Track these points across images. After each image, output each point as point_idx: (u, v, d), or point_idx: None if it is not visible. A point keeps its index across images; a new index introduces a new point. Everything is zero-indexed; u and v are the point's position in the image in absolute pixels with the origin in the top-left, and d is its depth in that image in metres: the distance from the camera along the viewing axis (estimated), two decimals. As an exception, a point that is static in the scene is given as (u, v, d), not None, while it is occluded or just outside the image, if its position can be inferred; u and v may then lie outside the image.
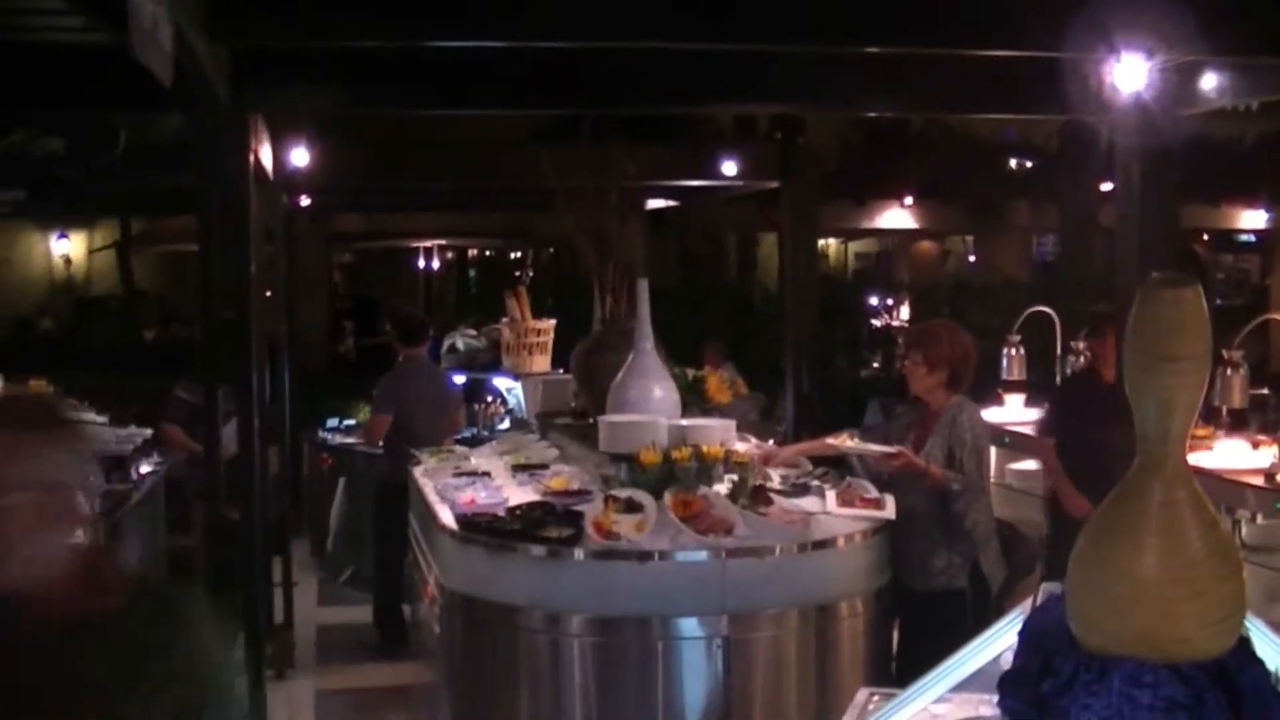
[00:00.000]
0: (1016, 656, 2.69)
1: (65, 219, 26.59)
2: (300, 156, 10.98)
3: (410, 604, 10.73)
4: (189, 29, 5.18)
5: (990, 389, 11.79)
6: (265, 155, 8.85)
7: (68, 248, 27.79)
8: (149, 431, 10.42)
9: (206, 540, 7.09)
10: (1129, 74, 6.93)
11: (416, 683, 9.16)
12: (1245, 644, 2.52)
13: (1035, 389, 11.98)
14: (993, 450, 9.55)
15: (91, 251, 27.91)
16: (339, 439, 13.50)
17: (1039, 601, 3.05)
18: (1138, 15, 6.27)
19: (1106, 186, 17.45)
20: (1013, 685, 2.60)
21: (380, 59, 7.28)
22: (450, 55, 7.22)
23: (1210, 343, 2.46)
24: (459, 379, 13.35)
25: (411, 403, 10.83)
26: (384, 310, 25.11)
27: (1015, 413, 11.56)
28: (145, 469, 10.25)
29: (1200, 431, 9.74)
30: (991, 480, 8.69)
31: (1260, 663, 2.51)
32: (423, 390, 11.02)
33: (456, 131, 15.76)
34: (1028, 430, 10.61)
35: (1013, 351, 11.77)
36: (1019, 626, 2.80)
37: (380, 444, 11.09)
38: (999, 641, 3.41)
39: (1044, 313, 12.07)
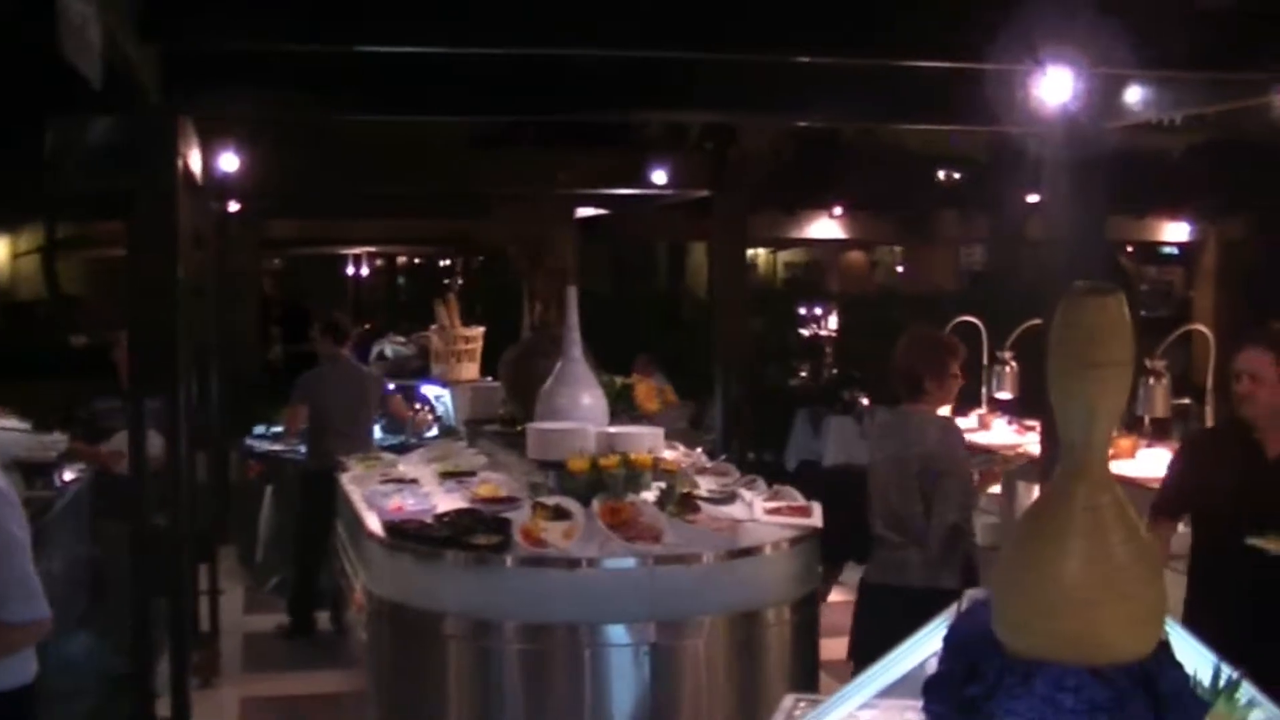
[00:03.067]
0: (942, 661, 2.71)
1: (-13, 222, 26.37)
2: (230, 161, 10.92)
3: (337, 610, 10.72)
4: (119, 30, 5.14)
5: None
6: (195, 159, 8.80)
7: (-10, 251, 27.55)
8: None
9: (132, 548, 7.04)
10: (1056, 86, 7.00)
11: (343, 690, 9.13)
12: (1166, 648, 2.55)
13: (961, 398, 12.05)
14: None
15: (16, 256, 27.64)
16: (267, 446, 13.43)
17: (964, 607, 3.07)
18: (1065, 28, 6.32)
19: (1034, 198, 17.59)
20: (938, 690, 2.62)
21: (313, 63, 7.25)
22: (384, 60, 7.20)
23: (1133, 350, 2.49)
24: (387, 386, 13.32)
25: (330, 398, 11.19)
26: (313, 318, 25.04)
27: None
28: (69, 476, 10.15)
29: (1124, 441, 9.84)
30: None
31: (1180, 666, 2.55)
32: (342, 387, 11.38)
33: (389, 138, 15.71)
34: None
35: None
36: (944, 632, 2.82)
37: (297, 437, 11.74)
38: (925, 646, 3.43)
39: (971, 323, 12.14)
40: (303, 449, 12.35)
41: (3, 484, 4.90)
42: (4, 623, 4.76)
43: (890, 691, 3.51)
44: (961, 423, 11.35)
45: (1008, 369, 11.45)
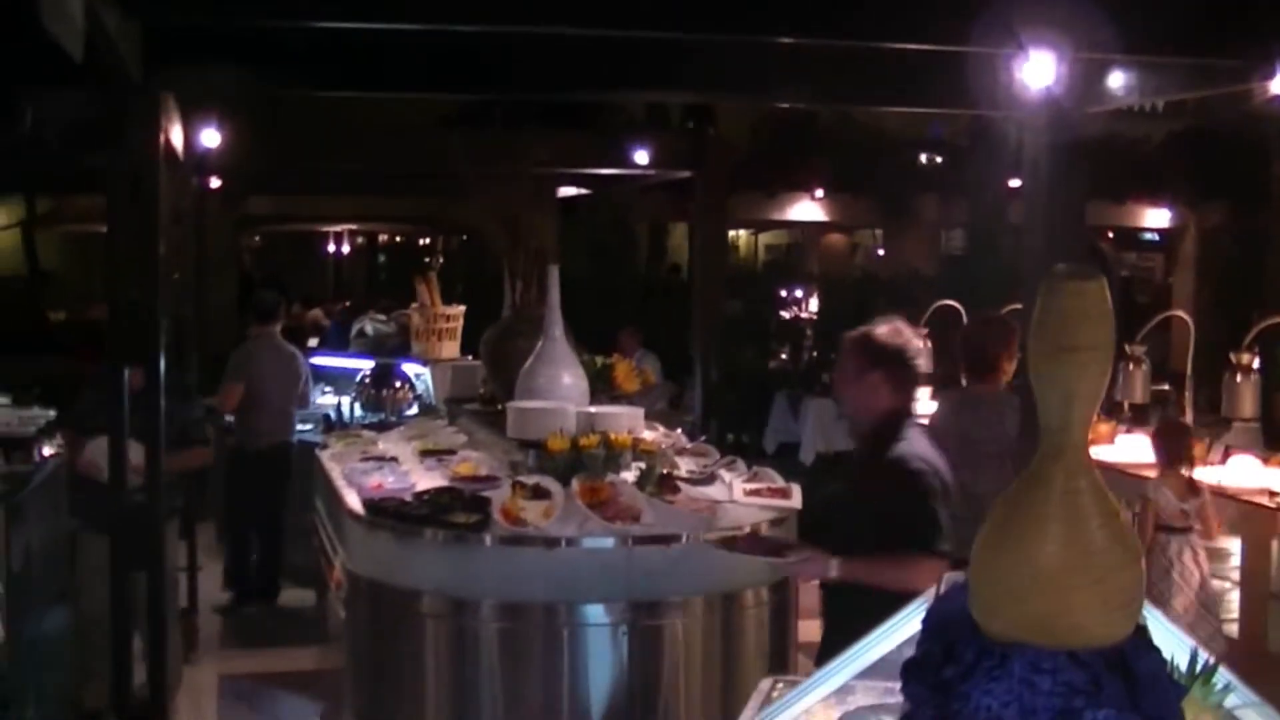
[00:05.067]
0: (919, 643, 2.71)
1: (-33, 197, 26.27)
2: (211, 137, 10.90)
3: (316, 588, 10.73)
4: (100, 3, 5.13)
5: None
6: (175, 135, 8.76)
7: (-32, 226, 27.44)
8: (52, 413, 10.29)
9: (111, 524, 7.05)
10: (1038, 70, 7.00)
11: (322, 668, 9.14)
12: (1143, 632, 2.56)
13: (941, 382, 12.07)
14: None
15: (-5, 231, 27.56)
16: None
17: (942, 589, 3.08)
18: (1047, 11, 6.33)
19: (1015, 183, 17.62)
20: (916, 672, 2.63)
21: (293, 40, 7.23)
22: (363, 37, 7.19)
23: (1113, 335, 2.49)
24: (367, 364, 13.33)
25: (261, 377, 11.36)
26: (290, 296, 25.02)
27: (922, 405, 11.63)
28: (48, 451, 10.13)
29: (1103, 426, 9.87)
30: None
31: (1157, 650, 2.55)
32: (272, 365, 11.56)
33: (369, 116, 15.69)
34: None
35: (920, 344, 11.85)
36: (922, 614, 2.83)
37: (231, 415, 11.83)
38: (903, 629, 3.44)
39: (952, 306, 12.16)
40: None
41: None
42: None
43: (868, 673, 3.52)
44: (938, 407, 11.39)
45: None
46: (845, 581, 5.61)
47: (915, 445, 5.76)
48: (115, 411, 6.83)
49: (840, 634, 5.51)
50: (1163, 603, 8.22)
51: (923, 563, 5.32)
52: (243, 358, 11.74)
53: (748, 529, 6.42)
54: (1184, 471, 8.71)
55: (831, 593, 5.90)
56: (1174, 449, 8.77)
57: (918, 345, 6.12)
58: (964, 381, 8.36)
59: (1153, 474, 8.85)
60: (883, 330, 6.09)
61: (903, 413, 5.88)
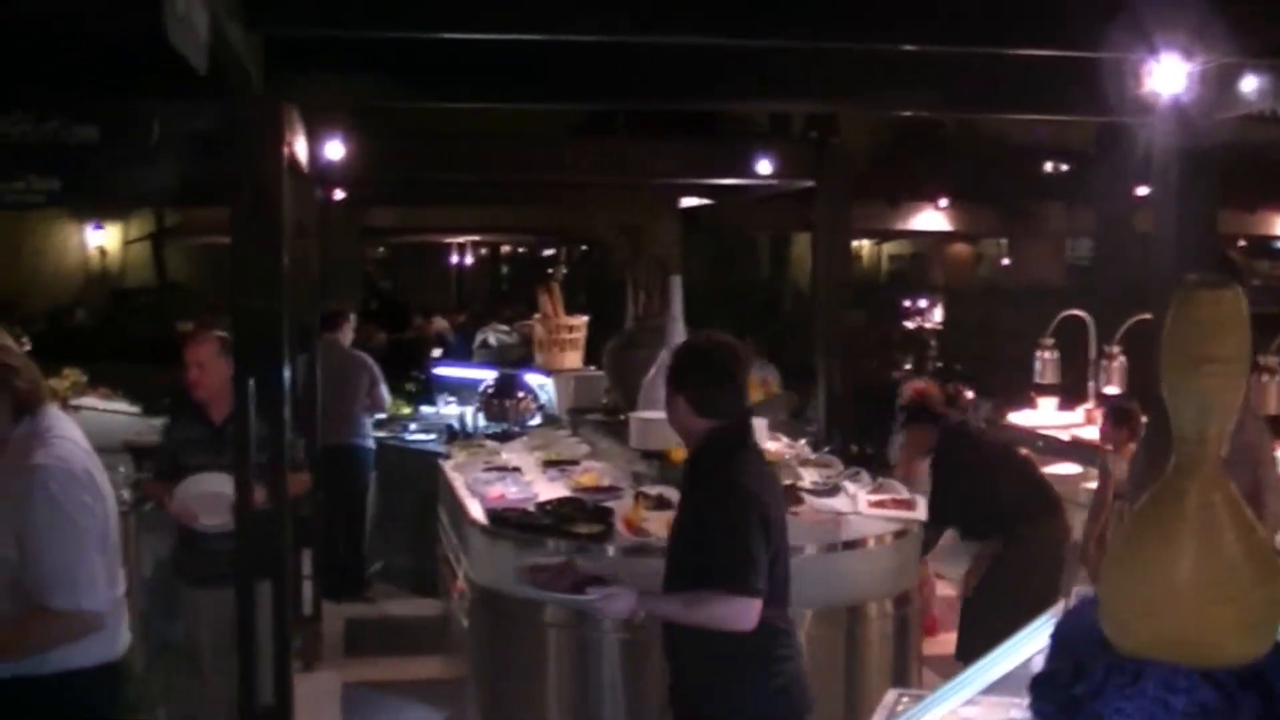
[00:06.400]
0: (1048, 659, 2.66)
1: (101, 210, 26.75)
2: (335, 149, 10.98)
3: (439, 597, 10.78)
4: (224, 16, 5.17)
5: (1024, 393, 11.76)
6: (300, 147, 8.84)
7: (103, 239, 27.94)
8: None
9: (236, 532, 7.08)
10: (1168, 76, 6.88)
11: (444, 676, 9.17)
12: (1279, 649, 2.50)
13: (1068, 393, 11.95)
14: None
15: (126, 243, 28.03)
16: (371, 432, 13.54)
17: (1071, 604, 3.02)
18: (1177, 15, 6.22)
19: (1143, 190, 17.39)
20: (1045, 688, 2.58)
21: (415, 50, 7.25)
22: (485, 47, 7.20)
23: (1249, 345, 2.43)
24: (490, 374, 13.39)
25: (319, 382, 11.37)
26: (410, 310, 25.28)
27: (1048, 417, 11.52)
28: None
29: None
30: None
31: (1296, 668, 2.49)
32: (329, 370, 11.64)
33: (492, 126, 15.77)
34: (1061, 434, 10.61)
35: (1046, 355, 11.71)
36: (1050, 629, 2.78)
37: None
38: (1029, 644, 3.39)
39: (1078, 317, 12.01)
40: (406, 435, 12.84)
41: (76, 464, 4.80)
42: (47, 608, 4.67)
43: (994, 688, 3.47)
44: (1067, 417, 11.28)
45: (1115, 364, 11.28)
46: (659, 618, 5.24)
47: (739, 471, 5.15)
48: (242, 422, 6.87)
49: (683, 676, 5.33)
50: None
51: (731, 600, 4.90)
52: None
53: (563, 560, 5.91)
54: (1133, 446, 9.20)
55: (666, 634, 5.34)
56: (1126, 426, 9.39)
57: (731, 358, 5.34)
58: None
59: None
60: (689, 346, 5.69)
61: (723, 435, 5.21)
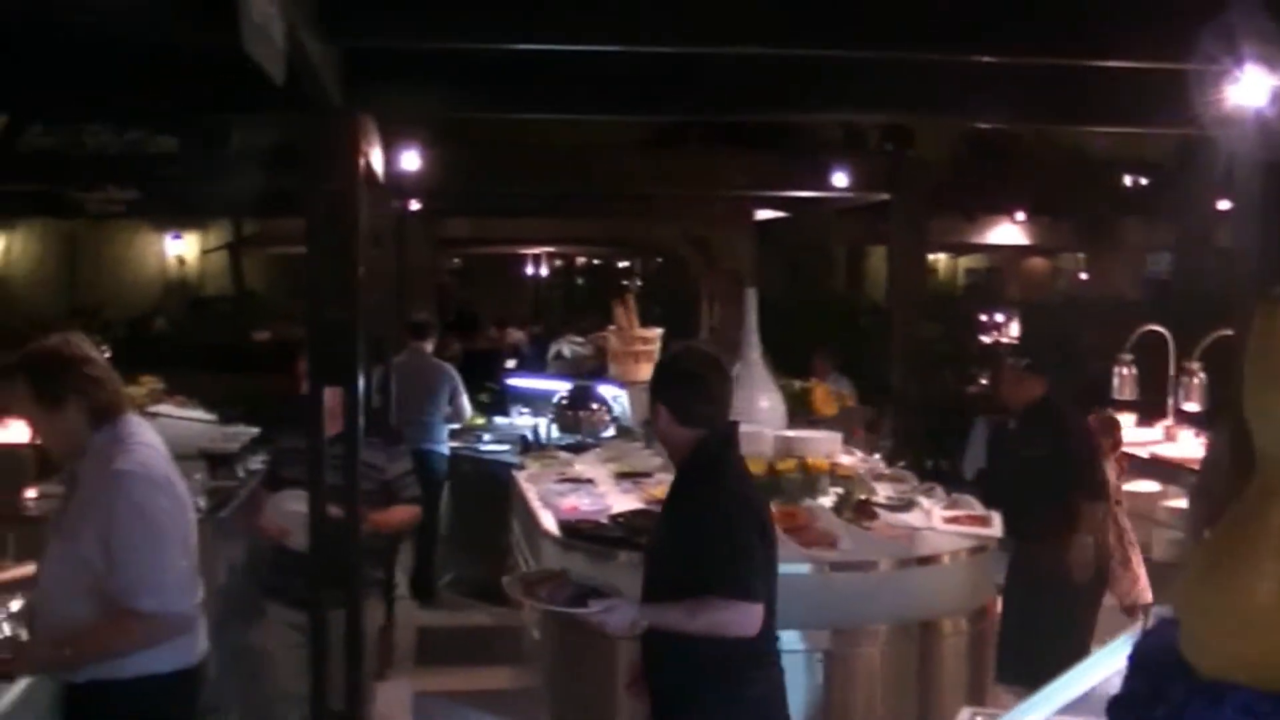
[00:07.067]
0: (1126, 680, 2.62)
1: (180, 220, 27.02)
2: (410, 160, 11.03)
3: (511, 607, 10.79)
4: (301, 28, 5.19)
5: (1100, 407, 11.64)
6: (376, 158, 8.87)
7: (182, 248, 28.21)
8: (256, 430, 10.49)
9: (312, 540, 7.08)
10: (1251, 88, 6.80)
11: (515, 687, 9.18)
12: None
13: (1146, 410, 11.83)
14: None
15: (205, 252, 28.28)
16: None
17: (1149, 625, 2.98)
18: (1261, 27, 6.15)
19: (1224, 204, 17.21)
20: (1122, 710, 2.54)
21: (491, 61, 7.27)
22: (561, 59, 7.21)
23: (1335, 362, 2.38)
24: (564, 385, 13.41)
25: (402, 383, 11.49)
26: (483, 322, 25.35)
27: (1127, 433, 11.41)
28: (253, 467, 10.32)
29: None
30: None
31: (1382, 693, 2.44)
32: (408, 377, 11.82)
33: (566, 138, 15.80)
34: (1140, 451, 10.53)
35: (1124, 371, 11.59)
36: (1128, 649, 2.74)
37: None
38: (1106, 664, 3.34)
39: (1158, 333, 11.89)
40: (480, 446, 12.90)
41: (157, 470, 4.87)
42: (135, 612, 4.72)
43: (1070, 709, 3.42)
44: (1146, 434, 11.17)
45: (1195, 380, 11.14)
46: (658, 630, 5.11)
47: (730, 479, 5.19)
48: (316, 430, 6.90)
49: (666, 696, 5.27)
50: (1124, 563, 9.27)
51: (734, 606, 4.87)
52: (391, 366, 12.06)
53: (558, 573, 5.83)
54: (1116, 454, 9.54)
55: (648, 643, 5.27)
56: (1110, 437, 9.49)
57: (709, 368, 5.33)
58: None
59: None
60: (669, 356, 5.70)
61: (709, 445, 5.20)
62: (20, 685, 4.80)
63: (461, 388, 12.63)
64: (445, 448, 12.48)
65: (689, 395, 5.21)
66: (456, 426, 13.05)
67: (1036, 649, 7.31)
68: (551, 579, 5.52)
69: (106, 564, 4.66)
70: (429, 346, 12.82)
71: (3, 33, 7.06)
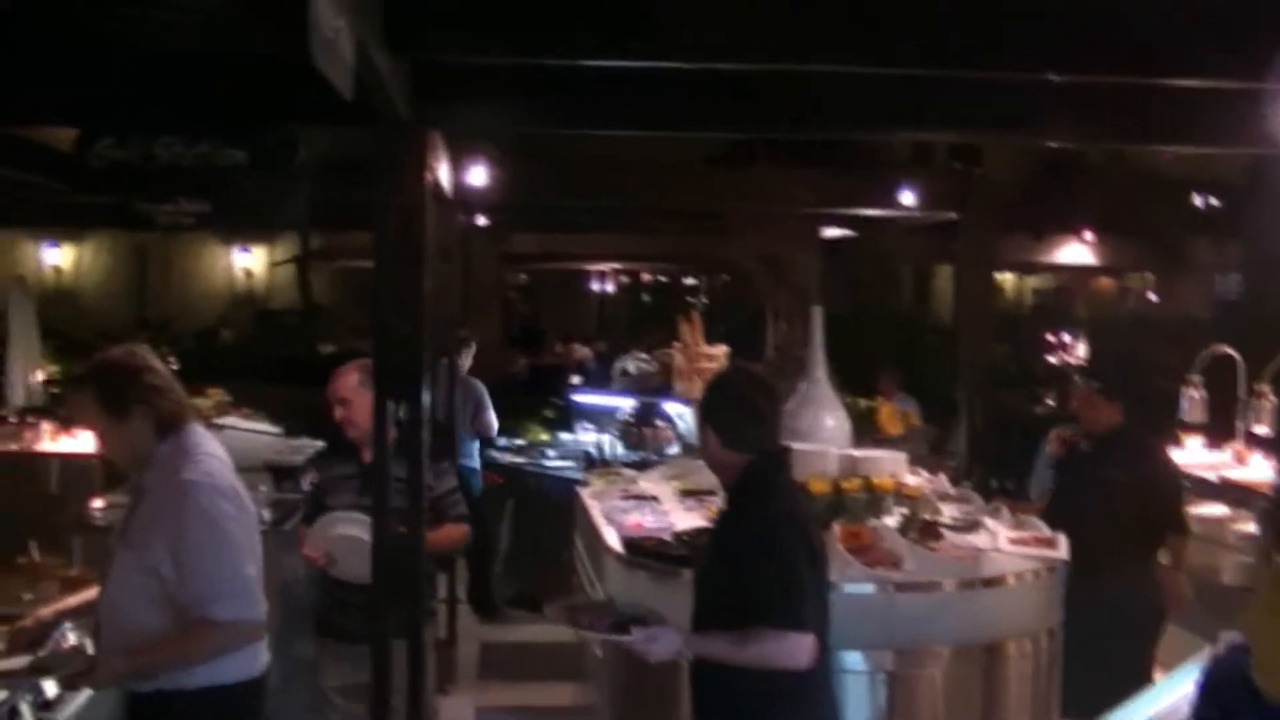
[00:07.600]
0: (1195, 706, 2.60)
1: (247, 233, 27.20)
2: (478, 175, 11.05)
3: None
4: (370, 42, 5.21)
5: (1169, 430, 11.53)
6: (443, 172, 8.90)
7: (249, 261, 28.40)
8: (320, 443, 10.53)
9: (376, 554, 7.07)
10: (1324, 108, 6.73)
11: (577, 703, 9.17)
12: None
13: (1215, 432, 11.70)
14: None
15: (272, 265, 28.45)
16: (509, 458, 13.57)
17: (1219, 651, 2.94)
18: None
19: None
20: (1192, 736, 2.51)
21: (559, 77, 7.27)
22: (630, 75, 7.20)
23: None
24: (628, 402, 13.41)
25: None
26: (547, 338, 25.38)
27: (1195, 456, 11.30)
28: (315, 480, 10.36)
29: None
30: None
31: None
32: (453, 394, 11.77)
33: (634, 154, 15.81)
34: (1209, 474, 10.42)
35: (1193, 393, 11.48)
36: (1194, 676, 2.71)
37: None
38: (1175, 690, 3.30)
39: (1227, 354, 11.78)
40: (544, 461, 12.69)
41: (223, 480, 4.91)
42: (210, 620, 4.77)
43: (1138, 734, 3.39)
44: (1215, 457, 11.06)
45: (1266, 403, 11.02)
46: (704, 659, 5.07)
47: (781, 504, 5.11)
48: (380, 444, 6.91)
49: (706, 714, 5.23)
50: None
51: (785, 637, 4.78)
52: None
53: (600, 601, 5.75)
54: None
55: (696, 672, 5.25)
56: None
57: (757, 391, 5.31)
58: None
59: None
60: (717, 378, 5.68)
61: (759, 469, 5.15)
62: (84, 695, 4.84)
63: (487, 401, 12.60)
64: (474, 461, 12.47)
65: (736, 418, 5.17)
66: (521, 443, 13.06)
67: (1102, 679, 7.23)
68: (595, 606, 5.50)
69: (176, 574, 4.72)
70: (463, 362, 12.64)
71: (74, 48, 7.13)
